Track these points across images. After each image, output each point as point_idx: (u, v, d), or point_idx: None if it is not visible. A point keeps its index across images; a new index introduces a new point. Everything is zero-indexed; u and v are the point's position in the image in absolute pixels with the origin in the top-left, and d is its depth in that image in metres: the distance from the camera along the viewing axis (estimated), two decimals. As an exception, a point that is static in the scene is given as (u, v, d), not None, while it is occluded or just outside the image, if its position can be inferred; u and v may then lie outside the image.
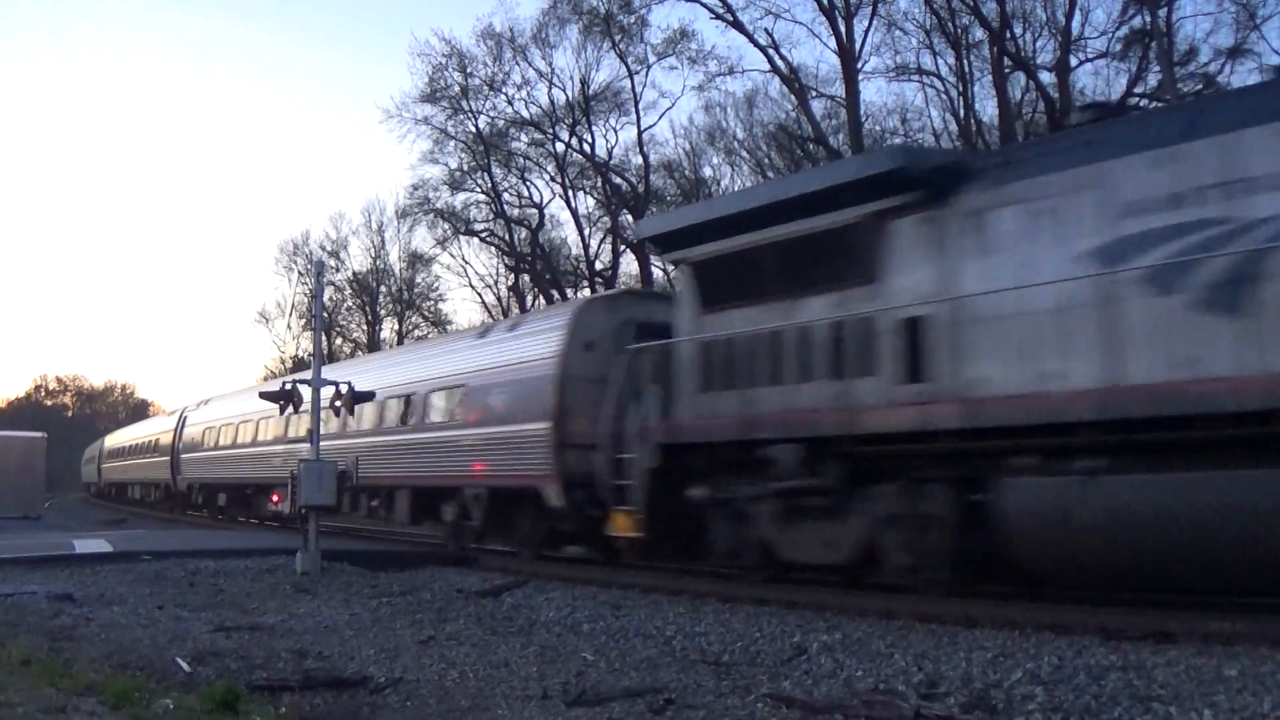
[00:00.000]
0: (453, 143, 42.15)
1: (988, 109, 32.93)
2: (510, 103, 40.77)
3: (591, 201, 43.55)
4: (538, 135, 41.67)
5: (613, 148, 41.08)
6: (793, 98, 35.12)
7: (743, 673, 7.45)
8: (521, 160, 43.27)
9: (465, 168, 43.30)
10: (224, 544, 17.77)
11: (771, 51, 32.30)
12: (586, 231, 43.15)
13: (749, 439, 11.58)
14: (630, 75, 38.81)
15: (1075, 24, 30.21)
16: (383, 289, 56.66)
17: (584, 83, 39.33)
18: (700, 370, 12.52)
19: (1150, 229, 8.54)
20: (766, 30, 31.97)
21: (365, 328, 57.51)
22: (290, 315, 59.65)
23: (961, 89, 32.50)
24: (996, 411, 9.27)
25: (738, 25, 32.11)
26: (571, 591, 12.39)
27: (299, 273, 58.51)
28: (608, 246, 43.67)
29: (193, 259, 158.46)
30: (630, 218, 40.96)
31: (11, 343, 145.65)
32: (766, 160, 42.93)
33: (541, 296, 44.18)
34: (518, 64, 40.11)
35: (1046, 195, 9.37)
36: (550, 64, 39.79)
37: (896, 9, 32.60)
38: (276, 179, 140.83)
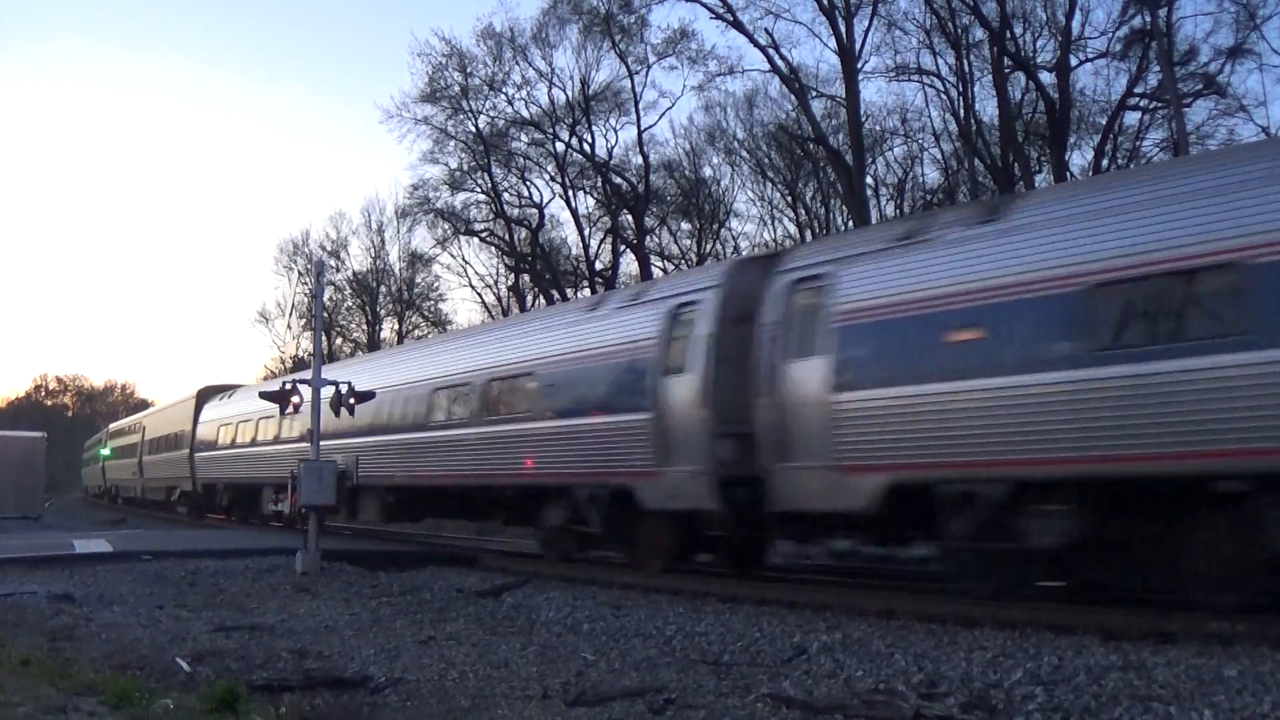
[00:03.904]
0: (453, 143, 42.16)
1: (988, 109, 32.96)
2: (510, 103, 40.79)
3: (591, 201, 43.57)
4: (538, 135, 41.67)
5: (613, 148, 41.10)
6: (793, 98, 35.10)
7: (743, 673, 7.44)
8: (521, 160, 43.29)
9: (465, 168, 43.30)
10: (224, 544, 17.75)
11: (771, 51, 32.29)
12: (586, 231, 43.16)
13: None
14: (630, 75, 38.82)
15: (1075, 24, 30.23)
16: (383, 289, 56.66)
17: (584, 83, 39.35)
18: None
19: None
20: (766, 30, 31.96)
21: (365, 328, 57.52)
22: (290, 315, 59.69)
23: (961, 89, 32.49)
24: None
25: (738, 25, 32.09)
26: (571, 591, 12.39)
27: (299, 273, 58.57)
28: (608, 246, 43.70)
29: (193, 259, 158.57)
30: (630, 218, 40.96)
31: (11, 343, 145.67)
32: (766, 160, 43.01)
33: (541, 296, 44.18)
34: (518, 64, 40.12)
35: None
36: (550, 64, 39.81)
37: (896, 9, 32.62)
38: (276, 179, 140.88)
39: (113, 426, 53.02)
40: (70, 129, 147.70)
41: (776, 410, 11.43)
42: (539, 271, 44.20)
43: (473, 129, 41.24)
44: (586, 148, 40.77)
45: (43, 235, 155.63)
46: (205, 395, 32.85)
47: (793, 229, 43.49)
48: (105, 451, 50.91)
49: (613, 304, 14.86)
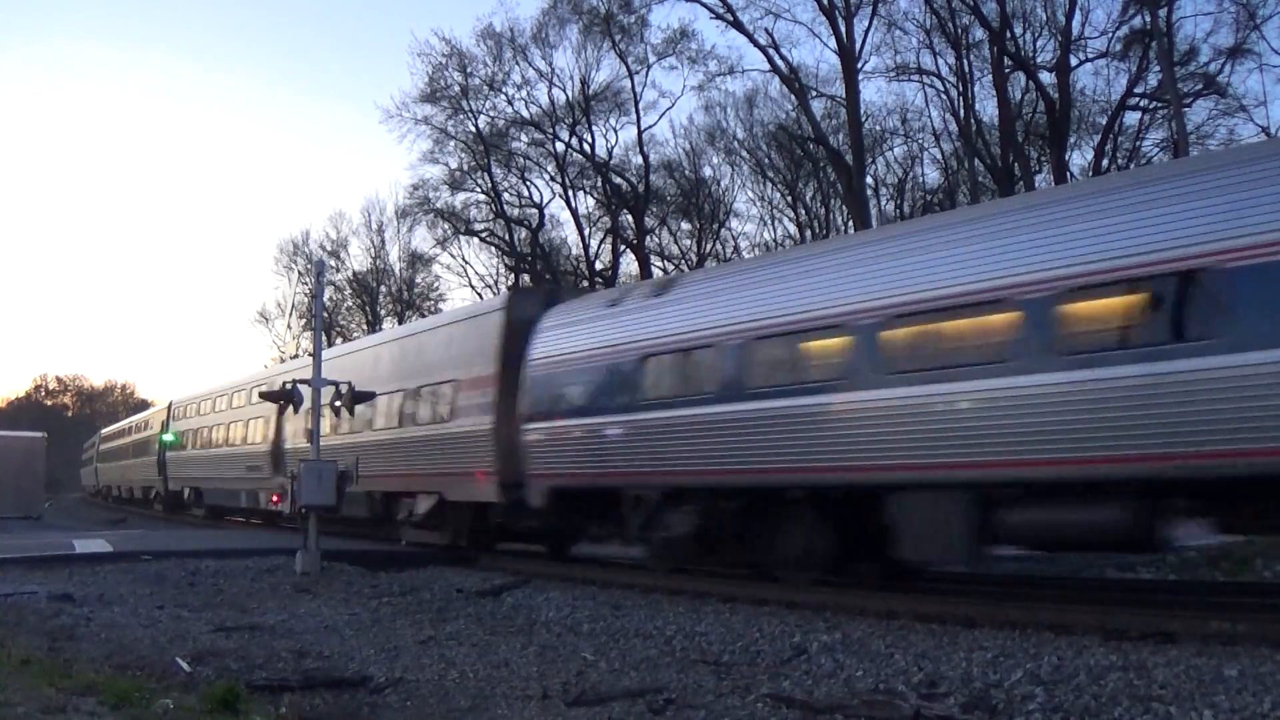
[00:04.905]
0: (453, 143, 42.20)
1: (988, 109, 32.98)
2: (510, 103, 40.82)
3: (591, 201, 43.62)
4: (538, 135, 41.71)
5: (613, 148, 41.12)
6: (793, 98, 35.12)
7: (743, 673, 7.44)
8: (521, 160, 43.33)
9: (465, 168, 43.34)
10: (224, 544, 17.76)
11: (771, 51, 32.29)
12: (586, 231, 43.20)
13: None
14: (630, 75, 38.84)
15: (1075, 24, 30.26)
16: (383, 289, 56.70)
17: (584, 83, 39.37)
18: None
19: None
20: (766, 30, 31.96)
21: (365, 328, 57.51)
22: (290, 315, 59.70)
23: (961, 89, 32.50)
24: None
25: (738, 25, 32.09)
26: (571, 591, 12.38)
27: (299, 273, 58.61)
28: (608, 246, 43.72)
29: (193, 259, 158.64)
30: (630, 218, 40.97)
31: (11, 343, 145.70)
32: (766, 160, 43.03)
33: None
34: (518, 64, 40.15)
35: None
36: (550, 64, 39.84)
37: (896, 9, 32.63)
38: (276, 179, 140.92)
39: (180, 398, 36.49)
40: (71, 129, 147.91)
41: None
42: (539, 271, 44.20)
43: (473, 129, 41.30)
44: (586, 148, 40.84)
45: (43, 235, 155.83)
46: (525, 304, 16.21)
47: (793, 229, 43.55)
48: (168, 437, 34.98)
49: None
